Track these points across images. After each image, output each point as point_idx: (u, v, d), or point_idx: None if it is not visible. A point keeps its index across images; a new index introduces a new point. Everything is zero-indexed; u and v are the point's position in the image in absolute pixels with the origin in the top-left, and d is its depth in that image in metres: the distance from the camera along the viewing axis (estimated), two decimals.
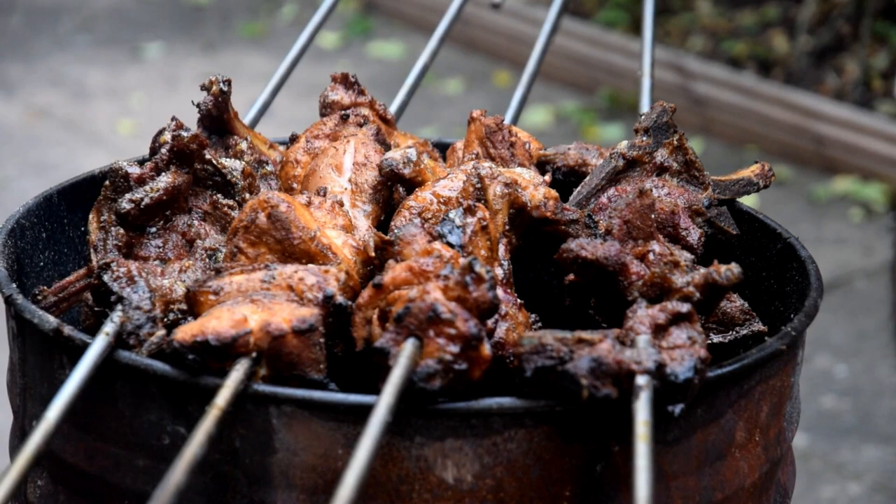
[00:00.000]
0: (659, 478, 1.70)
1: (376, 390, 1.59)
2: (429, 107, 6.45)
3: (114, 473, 1.72)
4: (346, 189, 2.02)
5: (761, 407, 1.80)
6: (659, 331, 1.68)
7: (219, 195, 1.99)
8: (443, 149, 2.29)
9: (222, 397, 1.59)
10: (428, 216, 1.88)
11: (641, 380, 1.61)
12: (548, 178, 2.12)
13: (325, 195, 1.99)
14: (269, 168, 2.13)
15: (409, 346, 1.62)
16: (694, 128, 6.24)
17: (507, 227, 1.94)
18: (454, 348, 1.61)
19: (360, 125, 2.14)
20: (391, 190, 2.04)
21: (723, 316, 1.98)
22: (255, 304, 1.70)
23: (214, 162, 1.99)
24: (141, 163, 2.00)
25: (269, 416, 1.63)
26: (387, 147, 2.12)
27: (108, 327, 1.71)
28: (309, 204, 1.90)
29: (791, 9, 6.71)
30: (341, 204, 1.93)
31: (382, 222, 2.02)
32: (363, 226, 1.98)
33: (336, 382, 1.70)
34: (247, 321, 1.67)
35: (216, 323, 1.66)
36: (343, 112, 2.15)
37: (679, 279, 1.76)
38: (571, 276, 1.89)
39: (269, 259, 1.81)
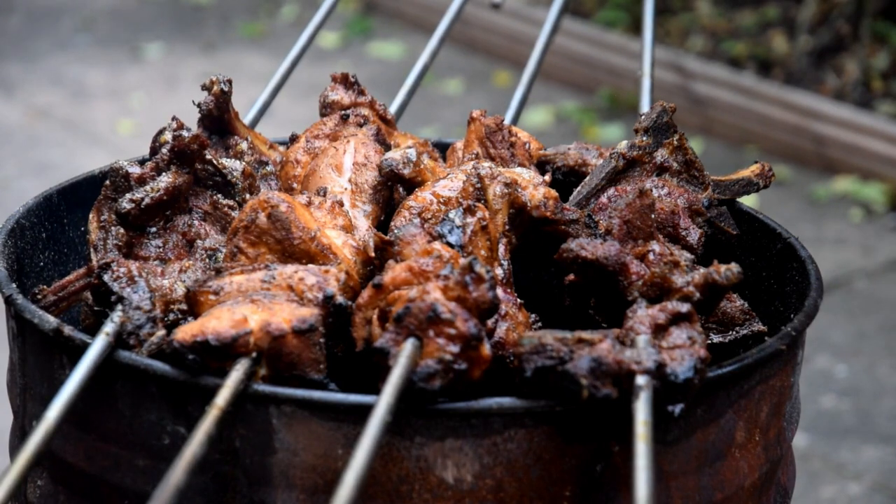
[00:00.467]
0: (659, 478, 1.70)
1: (376, 390, 1.59)
2: (429, 107, 6.45)
3: (114, 473, 1.72)
4: (346, 189, 2.02)
5: (761, 407, 1.80)
6: (659, 331, 1.68)
7: (219, 195, 1.99)
8: (443, 149, 2.29)
9: (222, 397, 1.59)
10: (428, 216, 1.88)
11: (641, 380, 1.61)
12: (548, 178, 2.12)
13: (325, 195, 1.99)
14: (270, 168, 2.13)
15: (408, 346, 1.62)
16: (694, 128, 6.24)
17: (507, 227, 1.93)
18: (454, 348, 1.61)
19: (360, 125, 2.14)
20: (391, 190, 2.04)
21: (723, 316, 1.98)
22: (256, 304, 1.70)
23: (215, 162, 1.99)
24: (141, 163, 2.00)
25: (269, 416, 1.63)
26: (387, 147, 2.12)
27: (108, 327, 1.71)
28: (309, 204, 1.90)
29: (791, 9, 6.71)
30: (341, 204, 1.93)
31: (382, 222, 2.02)
32: (363, 226, 1.98)
33: (336, 382, 1.70)
34: (247, 321, 1.67)
35: (216, 323, 1.66)
36: (343, 112, 2.15)
37: (679, 279, 1.76)
38: (571, 276, 1.89)
39: (269, 259, 1.81)
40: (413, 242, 1.81)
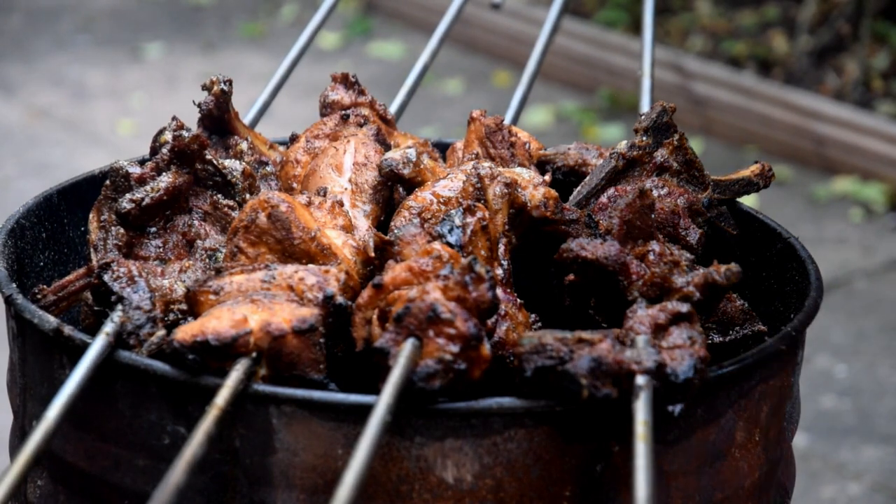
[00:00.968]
0: (659, 478, 1.70)
1: (376, 390, 1.59)
2: (429, 107, 6.45)
3: (114, 473, 1.72)
4: (346, 189, 2.02)
5: (761, 407, 1.80)
6: (659, 331, 1.68)
7: (219, 195, 1.99)
8: (443, 149, 2.29)
9: (222, 397, 1.59)
10: (428, 216, 1.88)
11: (641, 380, 1.61)
12: (548, 178, 2.12)
13: (325, 195, 1.99)
14: (270, 168, 2.13)
15: (408, 346, 1.62)
16: (694, 128, 6.24)
17: (506, 227, 1.93)
18: (454, 348, 1.61)
19: (361, 125, 2.14)
20: (391, 190, 2.04)
21: (723, 316, 1.98)
22: (256, 304, 1.70)
23: (215, 162, 1.99)
24: (141, 163, 2.00)
25: (269, 416, 1.63)
26: (387, 147, 2.12)
27: (108, 327, 1.71)
28: (309, 204, 1.90)
29: (791, 9, 6.71)
30: (341, 204, 1.93)
31: (382, 222, 2.01)
32: (363, 226, 1.98)
33: (336, 382, 1.70)
34: (247, 321, 1.67)
35: (216, 323, 1.66)
36: (343, 112, 2.15)
37: (679, 279, 1.76)
38: (571, 276, 1.89)
39: (269, 259, 1.81)
40: (413, 242, 1.81)
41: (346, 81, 2.23)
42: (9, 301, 1.82)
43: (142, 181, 1.95)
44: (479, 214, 1.84)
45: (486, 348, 1.63)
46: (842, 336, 4.75)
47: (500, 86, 6.80)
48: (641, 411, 1.58)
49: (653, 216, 1.96)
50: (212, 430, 1.55)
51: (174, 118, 1.99)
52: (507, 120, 2.37)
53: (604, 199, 2.06)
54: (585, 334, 1.65)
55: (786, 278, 2.07)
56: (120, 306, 1.75)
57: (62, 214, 2.12)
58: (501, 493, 1.64)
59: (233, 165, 2.00)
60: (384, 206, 2.03)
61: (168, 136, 1.98)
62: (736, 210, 2.17)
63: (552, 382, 1.62)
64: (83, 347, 1.68)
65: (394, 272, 1.72)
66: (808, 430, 4.21)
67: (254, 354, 1.66)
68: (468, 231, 1.83)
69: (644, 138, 2.10)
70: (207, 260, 1.91)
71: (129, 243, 1.92)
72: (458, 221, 1.83)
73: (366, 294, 1.73)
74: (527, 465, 1.64)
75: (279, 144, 2.22)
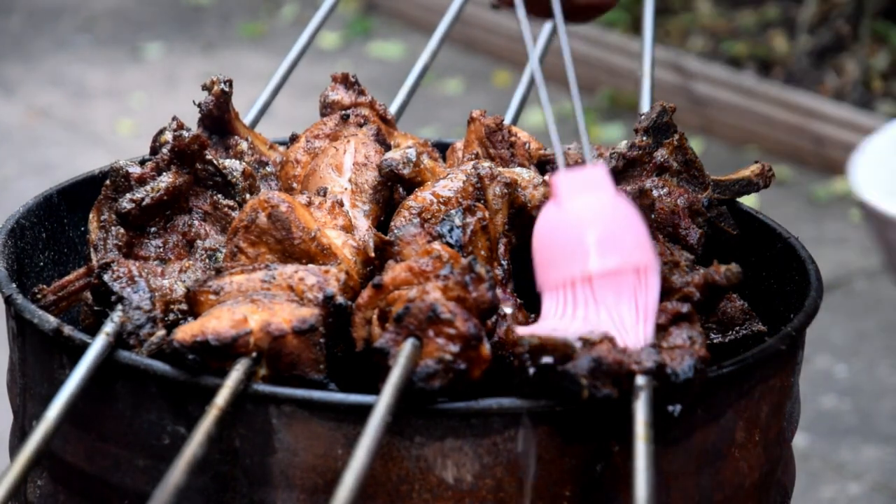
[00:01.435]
0: (659, 478, 1.70)
1: (376, 390, 1.59)
2: (429, 107, 6.45)
3: (114, 473, 1.72)
4: (346, 189, 2.02)
5: (761, 407, 1.80)
6: (659, 331, 1.68)
7: (219, 195, 1.99)
8: (443, 149, 2.29)
9: (222, 397, 1.59)
10: (428, 216, 1.88)
11: (641, 380, 1.61)
12: (548, 178, 2.11)
13: (325, 195, 1.99)
14: (270, 168, 2.13)
15: (408, 346, 1.62)
16: (694, 128, 6.24)
17: (506, 227, 1.93)
18: (454, 348, 1.61)
19: (361, 125, 2.14)
20: (391, 190, 2.04)
21: (723, 316, 1.98)
22: (256, 304, 1.70)
23: (215, 162, 1.99)
24: (141, 163, 2.00)
25: (269, 416, 1.63)
26: (387, 147, 2.12)
27: (108, 327, 1.71)
28: (309, 204, 1.90)
29: (791, 9, 6.71)
30: (341, 204, 1.93)
31: (382, 222, 2.01)
32: (363, 226, 1.98)
33: (336, 382, 1.70)
34: (247, 321, 1.67)
35: (216, 323, 1.66)
36: (343, 112, 2.15)
37: (679, 279, 1.76)
38: None
39: (269, 259, 1.81)
40: (413, 242, 1.81)
41: (346, 81, 2.23)
42: (9, 301, 1.82)
43: (142, 181, 1.95)
44: (479, 214, 1.84)
45: (486, 348, 1.63)
46: (842, 336, 4.75)
47: (500, 86, 6.80)
48: (641, 411, 1.58)
49: (653, 216, 1.96)
50: (212, 430, 1.55)
51: (174, 118, 1.99)
52: (507, 120, 2.37)
53: None
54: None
55: (786, 278, 2.07)
56: (120, 306, 1.75)
57: (62, 214, 2.12)
58: (501, 493, 1.64)
59: (233, 165, 2.00)
60: (384, 206, 2.03)
61: (168, 136, 1.98)
62: (736, 210, 2.16)
63: (552, 382, 1.62)
64: (83, 347, 1.68)
65: (394, 272, 1.72)
66: (808, 430, 4.21)
67: (254, 354, 1.66)
68: (468, 231, 1.83)
69: (644, 138, 2.10)
70: (207, 260, 1.91)
71: (129, 243, 1.92)
72: (458, 221, 1.83)
73: (366, 294, 1.73)
74: (527, 465, 1.64)
75: (279, 144, 2.22)
